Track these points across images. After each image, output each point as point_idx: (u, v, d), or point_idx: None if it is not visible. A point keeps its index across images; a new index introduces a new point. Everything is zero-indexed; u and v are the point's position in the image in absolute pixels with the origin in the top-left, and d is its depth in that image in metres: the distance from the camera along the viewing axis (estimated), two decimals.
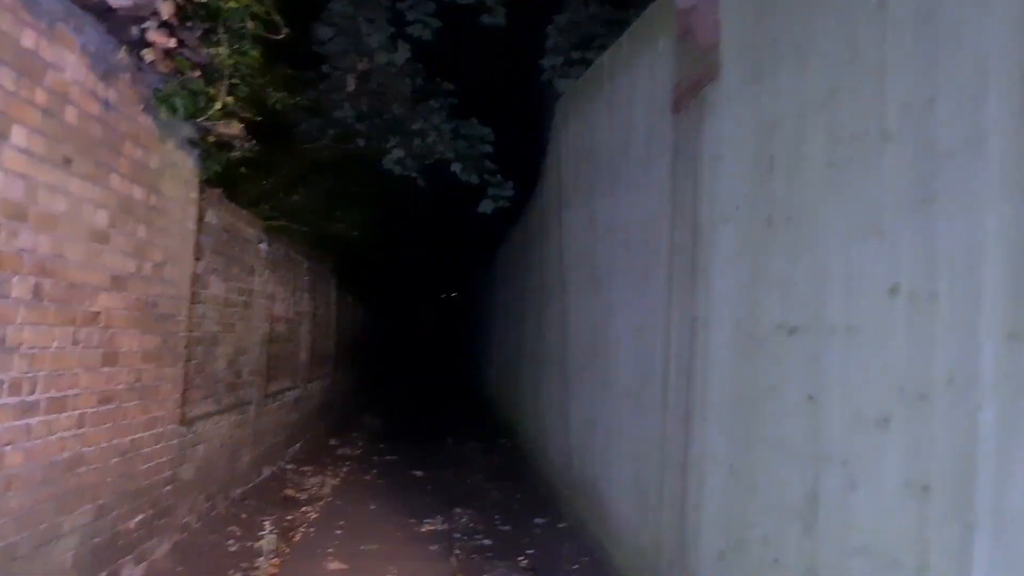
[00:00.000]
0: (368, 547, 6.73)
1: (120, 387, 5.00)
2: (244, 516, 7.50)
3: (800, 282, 3.32)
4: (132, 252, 5.07)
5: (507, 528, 7.90)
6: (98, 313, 4.65)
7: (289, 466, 10.13)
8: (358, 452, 11.94)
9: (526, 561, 6.74)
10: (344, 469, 10.44)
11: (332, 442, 12.62)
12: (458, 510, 8.44)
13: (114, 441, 4.97)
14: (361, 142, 11.63)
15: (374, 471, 10.42)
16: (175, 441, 6.04)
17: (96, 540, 4.81)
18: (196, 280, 6.44)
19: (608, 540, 6.28)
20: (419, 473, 10.48)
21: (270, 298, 9.08)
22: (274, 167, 9.28)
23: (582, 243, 7.58)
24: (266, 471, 9.27)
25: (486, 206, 11.92)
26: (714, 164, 4.32)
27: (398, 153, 11.36)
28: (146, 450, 5.49)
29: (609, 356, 6.41)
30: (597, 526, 6.67)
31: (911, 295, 2.64)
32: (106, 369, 4.79)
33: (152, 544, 5.71)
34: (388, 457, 11.62)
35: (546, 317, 9.86)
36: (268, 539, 5.66)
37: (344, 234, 13.19)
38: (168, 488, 5.97)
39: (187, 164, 5.90)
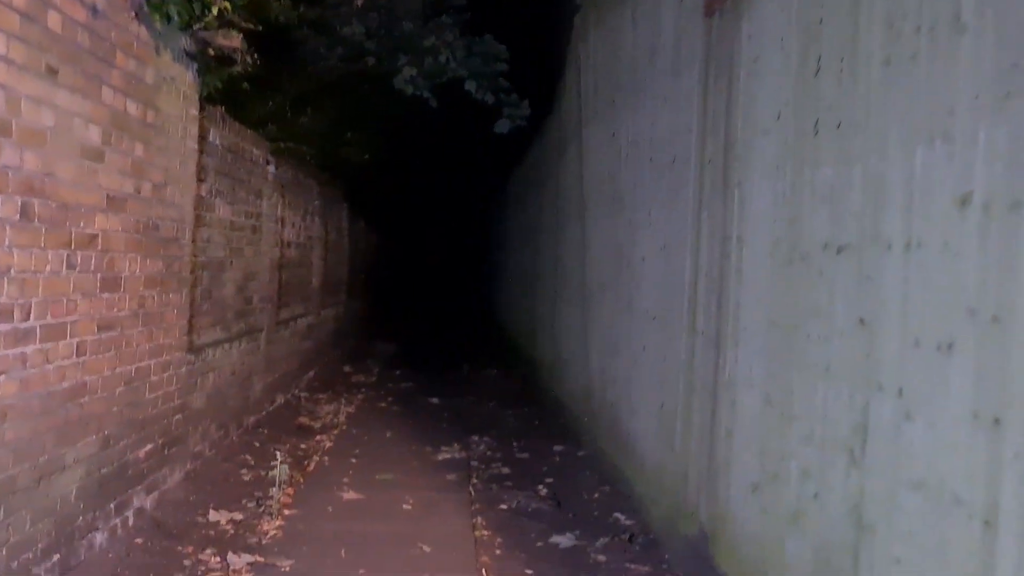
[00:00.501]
0: (384, 476, 6.59)
1: (122, 314, 4.78)
2: (257, 445, 7.38)
3: (851, 195, 3.02)
4: (130, 172, 4.79)
5: (525, 456, 7.76)
6: (95, 236, 4.40)
7: (303, 394, 10.02)
8: (373, 379, 11.83)
9: (545, 490, 6.59)
10: (359, 396, 10.32)
11: (346, 369, 12.51)
12: (475, 438, 8.31)
13: (118, 369, 4.77)
14: (370, 61, 11.20)
15: (389, 398, 10.30)
16: (183, 369, 5.86)
17: (103, 471, 4.66)
18: (200, 202, 6.17)
19: (629, 468, 6.11)
20: (435, 400, 10.35)
21: (280, 222, 8.83)
22: (280, 86, 8.92)
23: (603, 161, 7.25)
24: (280, 399, 9.15)
25: (502, 126, 11.51)
26: (751, 69, 3.98)
27: (409, 72, 10.91)
28: (153, 379, 5.31)
29: (632, 278, 6.15)
30: (618, 454, 6.50)
31: (986, 205, 2.34)
32: (106, 295, 4.56)
33: (163, 474, 5.57)
34: (403, 384, 11.50)
35: (563, 240, 9.58)
36: (281, 469, 5.51)
37: (354, 157, 12.87)
38: (178, 417, 5.81)
39: (186, 79, 5.58)
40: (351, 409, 9.41)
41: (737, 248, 4.11)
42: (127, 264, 4.81)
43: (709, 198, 4.57)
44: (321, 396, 10.07)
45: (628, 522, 5.78)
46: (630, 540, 5.36)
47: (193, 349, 6.09)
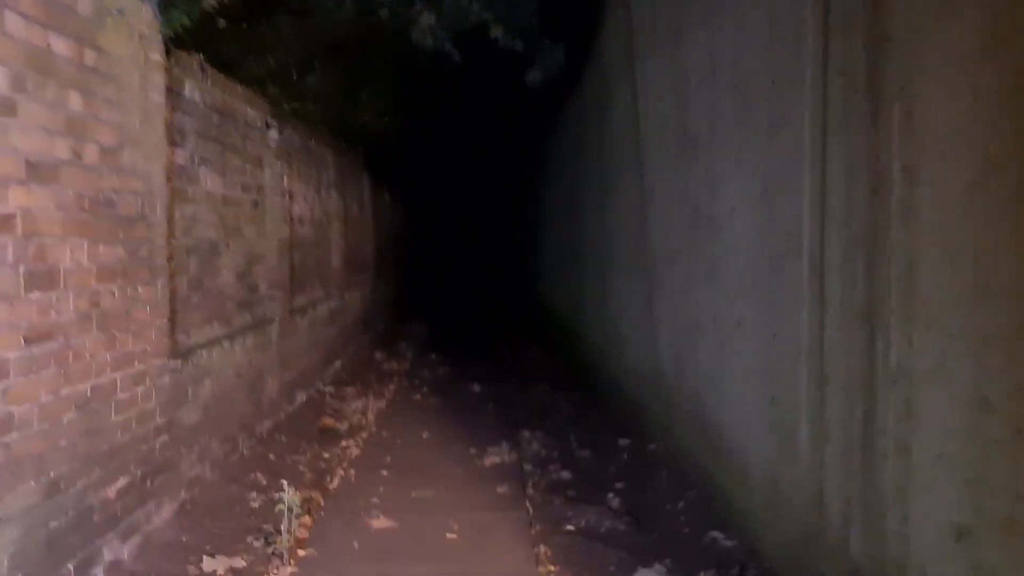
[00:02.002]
0: (422, 493, 5.44)
1: (64, 318, 3.64)
2: (272, 457, 6.26)
3: None
4: (62, 130, 3.63)
5: (587, 454, 6.59)
6: (11, 216, 3.26)
7: (328, 388, 8.91)
8: (406, 366, 10.70)
9: (618, 500, 5.42)
10: (391, 388, 9.19)
11: (377, 356, 11.39)
12: (526, 433, 7.14)
13: (64, 391, 3.64)
14: (384, 13, 9.97)
15: (425, 388, 9.16)
16: (166, 379, 4.73)
17: (52, 524, 3.55)
18: (177, 172, 5.02)
19: (723, 472, 4.90)
20: (476, 388, 9.20)
21: (287, 196, 7.66)
22: (282, 41, 7.73)
23: (666, 101, 5.98)
24: (300, 397, 8.04)
25: (535, 77, 10.26)
26: None
27: (427, 20, 9.67)
28: (121, 396, 4.18)
29: (715, 239, 4.90)
30: (704, 453, 5.30)
31: None
32: (35, 295, 3.42)
33: (146, 512, 4.47)
34: (440, 370, 10.36)
35: (613, 203, 8.32)
36: (290, 501, 4.38)
37: (373, 123, 11.68)
38: (163, 439, 4.69)
39: (140, 13, 4.39)
40: (382, 404, 8.28)
41: (904, 183, 2.85)
42: (67, 252, 3.66)
43: (842, 120, 3.31)
44: (349, 390, 8.95)
45: (729, 544, 4.58)
46: (741, 574, 4.17)
47: (179, 352, 4.97)
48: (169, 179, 4.83)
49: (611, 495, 5.55)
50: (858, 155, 3.17)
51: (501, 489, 5.57)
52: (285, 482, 4.56)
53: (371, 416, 7.66)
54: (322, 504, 5.22)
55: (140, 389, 4.39)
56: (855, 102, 3.19)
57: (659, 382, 6.45)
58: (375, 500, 5.28)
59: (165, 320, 4.71)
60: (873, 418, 3.08)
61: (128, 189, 4.24)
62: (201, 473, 5.30)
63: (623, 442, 6.82)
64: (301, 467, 6.09)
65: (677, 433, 5.97)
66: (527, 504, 5.27)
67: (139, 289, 4.37)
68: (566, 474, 6.03)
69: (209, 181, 5.64)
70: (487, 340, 13.48)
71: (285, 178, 7.58)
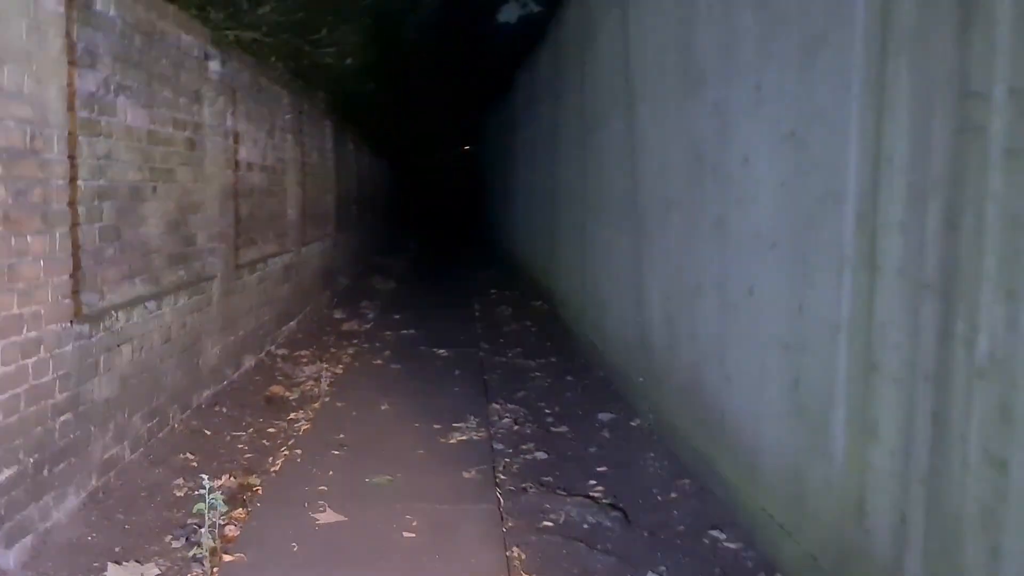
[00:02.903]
0: (377, 479, 4.72)
1: None
2: (209, 433, 5.51)
3: None
4: None
5: (564, 429, 5.91)
6: None
7: (280, 351, 8.14)
8: (367, 326, 9.93)
9: (601, 489, 4.74)
10: (349, 351, 8.44)
11: (336, 315, 10.61)
12: (496, 405, 6.45)
13: None
14: None
15: (387, 352, 8.41)
16: (68, 348, 3.94)
17: None
18: (85, 100, 4.18)
19: (726, 460, 4.24)
20: (443, 352, 8.47)
21: (232, 137, 6.81)
22: None
23: (663, 24, 5.19)
24: (248, 362, 7.27)
25: (510, 13, 9.46)
26: None
27: None
28: (2, 371, 3.40)
29: (725, 187, 4.17)
30: (700, 433, 4.64)
31: None
32: None
33: (43, 506, 3.71)
34: (404, 331, 9.60)
35: (596, 146, 7.56)
36: (211, 499, 3.64)
37: (336, 63, 10.78)
38: (65, 418, 3.92)
39: None
40: (339, 370, 7.53)
41: (1012, 112, 2.13)
42: None
43: (913, 33, 2.58)
44: (303, 353, 8.19)
45: (733, 547, 3.94)
46: None
47: (87, 316, 4.18)
48: (72, 108, 4.00)
49: (593, 481, 4.87)
50: (935, 79, 2.44)
51: (468, 474, 4.86)
52: (205, 477, 3.79)
53: (325, 384, 6.91)
54: (260, 492, 4.49)
55: (31, 361, 3.61)
56: (936, 7, 2.46)
57: (647, 350, 5.76)
58: (323, 487, 4.56)
59: (65, 277, 3.90)
60: (947, 420, 2.39)
61: (9, 116, 3.41)
62: (118, 455, 4.54)
63: (604, 416, 6.15)
64: (241, 445, 5.35)
65: (667, 409, 5.31)
66: (497, 493, 4.57)
67: (28, 240, 3.57)
68: (541, 455, 5.35)
69: (130, 114, 4.80)
70: (456, 297, 12.73)
71: (229, 117, 6.72)
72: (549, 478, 4.92)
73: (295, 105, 9.52)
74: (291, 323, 8.98)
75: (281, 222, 8.80)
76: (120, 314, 4.56)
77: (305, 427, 5.73)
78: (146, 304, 4.94)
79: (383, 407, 6.29)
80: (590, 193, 8.01)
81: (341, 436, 5.51)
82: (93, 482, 4.23)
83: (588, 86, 7.93)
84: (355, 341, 8.97)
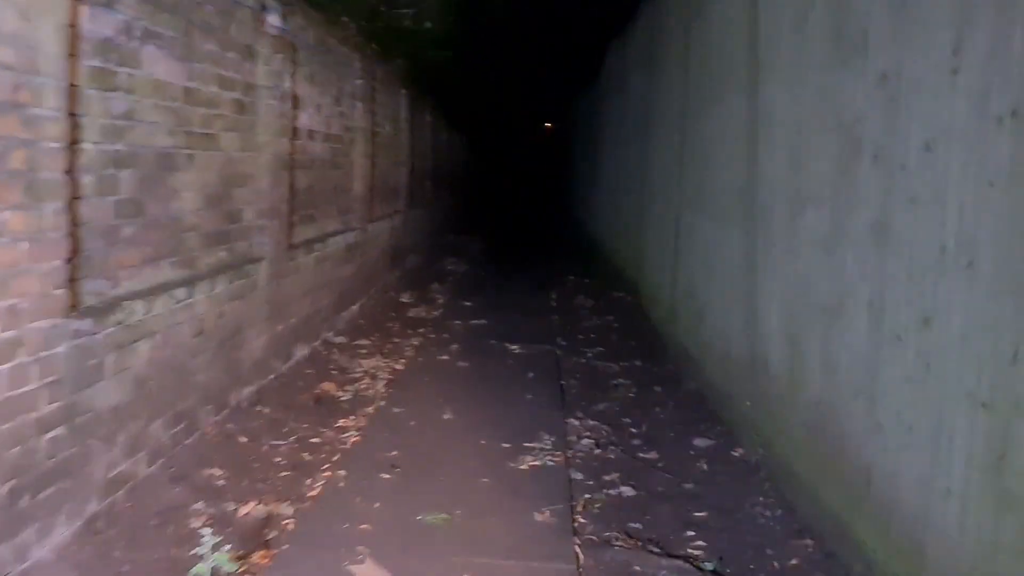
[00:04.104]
0: (431, 517, 3.92)
1: None
2: (244, 440, 4.79)
3: None
4: None
5: (653, 456, 5.04)
6: None
7: (338, 339, 7.42)
8: (436, 314, 9.16)
9: (701, 542, 3.86)
10: (414, 342, 7.67)
11: (403, 299, 9.86)
12: (575, 420, 5.61)
13: None
14: None
15: (454, 346, 7.61)
16: (60, 349, 3.22)
17: None
18: (95, 45, 3.44)
19: (870, 529, 3.31)
20: (515, 348, 7.64)
21: (290, 101, 6.06)
22: None
23: None
24: (300, 352, 6.56)
25: None
26: None
27: None
28: None
29: (896, 182, 3.19)
30: (831, 487, 3.70)
31: None
32: None
33: (20, 543, 3.01)
34: (474, 321, 8.80)
35: (699, 129, 6.59)
36: (215, 560, 2.88)
37: (415, 26, 9.96)
38: (55, 434, 3.21)
39: None
40: (399, 365, 6.77)
41: None
42: None
43: None
44: (363, 343, 7.46)
45: None
46: None
47: (90, 309, 3.46)
48: (75, 54, 3.26)
49: (691, 532, 3.99)
50: None
51: (541, 515, 4.03)
52: (207, 533, 3.03)
53: (382, 383, 6.16)
54: (290, 528, 3.73)
55: (6, 367, 2.89)
56: None
57: (758, 371, 4.82)
58: (365, 525, 3.78)
59: (58, 263, 3.17)
60: None
61: None
62: (129, 471, 3.84)
63: (700, 443, 5.25)
64: (278, 458, 4.61)
65: (783, 447, 4.37)
66: (576, 547, 3.72)
67: (5, 216, 2.84)
68: (628, 490, 4.48)
69: (161, 67, 4.06)
70: (532, 283, 11.88)
71: (288, 78, 5.96)
72: (638, 524, 4.05)
73: (367, 71, 8.76)
74: (353, 307, 8.26)
75: (345, 197, 8.06)
76: (139, 305, 3.84)
77: (355, 438, 4.97)
78: (174, 291, 4.22)
79: (445, 416, 5.50)
80: (688, 181, 7.05)
81: (394, 453, 4.73)
82: (93, 507, 3.53)
83: (693, 61, 6.94)
84: (421, 330, 8.21)
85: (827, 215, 3.81)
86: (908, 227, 3.06)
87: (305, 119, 6.54)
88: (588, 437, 5.32)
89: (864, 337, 3.40)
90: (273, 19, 5.61)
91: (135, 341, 3.83)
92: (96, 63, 3.46)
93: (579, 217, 20.01)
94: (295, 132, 6.20)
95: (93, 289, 3.50)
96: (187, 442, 4.45)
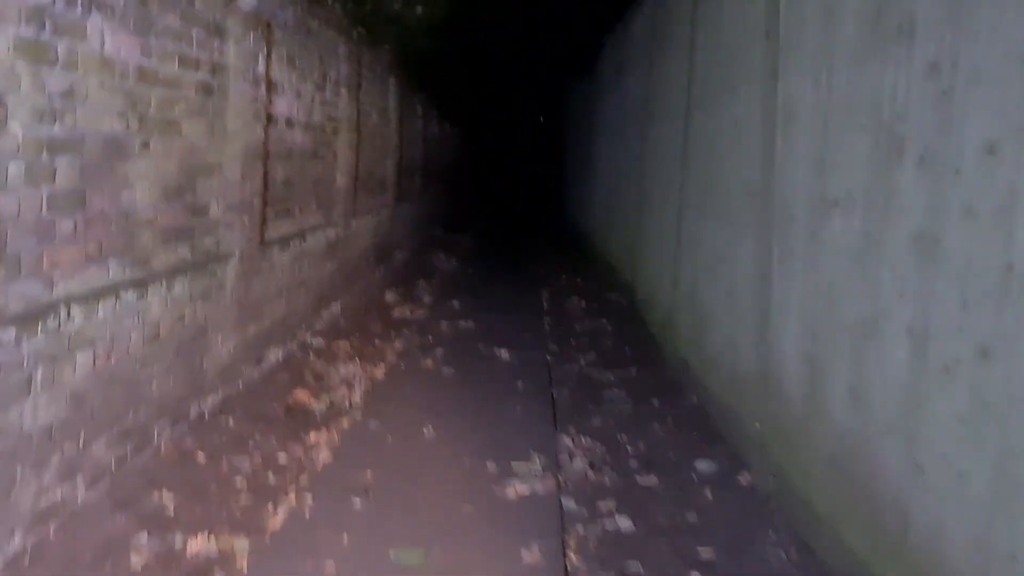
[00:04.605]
0: (404, 555, 3.46)
1: None
2: (202, 459, 4.33)
3: None
4: None
5: (653, 481, 4.61)
6: None
7: (316, 341, 6.96)
8: (421, 313, 8.70)
9: None
10: (396, 346, 7.22)
11: (388, 298, 9.41)
12: (567, 437, 5.18)
13: None
14: None
15: (439, 350, 7.16)
16: None
17: None
18: (23, 11, 2.98)
19: None
20: (504, 354, 7.20)
21: (264, 85, 5.59)
22: None
23: None
24: (273, 355, 6.10)
25: None
26: None
27: None
28: None
29: (947, 188, 2.76)
30: (858, 530, 3.28)
31: None
32: None
33: None
34: (462, 323, 8.35)
35: (703, 123, 6.16)
36: None
37: (405, 12, 9.50)
38: None
39: None
40: (379, 372, 6.32)
41: None
42: None
43: None
44: (342, 345, 7.00)
45: None
46: None
47: (12, 317, 2.99)
48: None
49: (696, 574, 3.56)
50: None
51: (529, 553, 3.58)
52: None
53: (361, 391, 5.71)
54: (243, 570, 3.28)
55: None
56: None
57: (770, 390, 4.39)
58: (329, 561, 3.33)
59: None
60: None
61: None
62: (65, 498, 3.38)
63: (704, 466, 4.82)
64: (239, 477, 4.15)
65: (799, 478, 3.95)
66: None
67: None
68: (625, 522, 4.05)
69: (109, 41, 3.59)
70: (523, 282, 11.44)
71: (261, 59, 5.49)
72: (637, 564, 3.62)
73: (353, 56, 8.28)
74: (334, 307, 7.80)
75: (327, 190, 7.59)
76: (78, 310, 3.38)
77: (325, 457, 4.51)
78: (122, 294, 3.76)
79: (426, 431, 5.05)
80: (692, 179, 6.62)
81: (368, 474, 4.28)
82: (16, 543, 3.07)
83: (700, 50, 6.50)
84: (405, 332, 7.76)
85: (858, 223, 3.38)
86: (962, 242, 2.63)
87: (282, 106, 6.07)
88: (582, 457, 4.88)
89: (903, 366, 2.97)
90: None
91: (72, 351, 3.37)
92: (28, 32, 2.99)
93: (572, 213, 19.57)
94: (270, 119, 5.74)
95: (20, 293, 3.04)
96: (136, 462, 4.00)
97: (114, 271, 3.76)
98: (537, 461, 4.70)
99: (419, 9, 9.68)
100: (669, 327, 7.29)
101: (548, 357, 7.22)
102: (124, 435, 3.87)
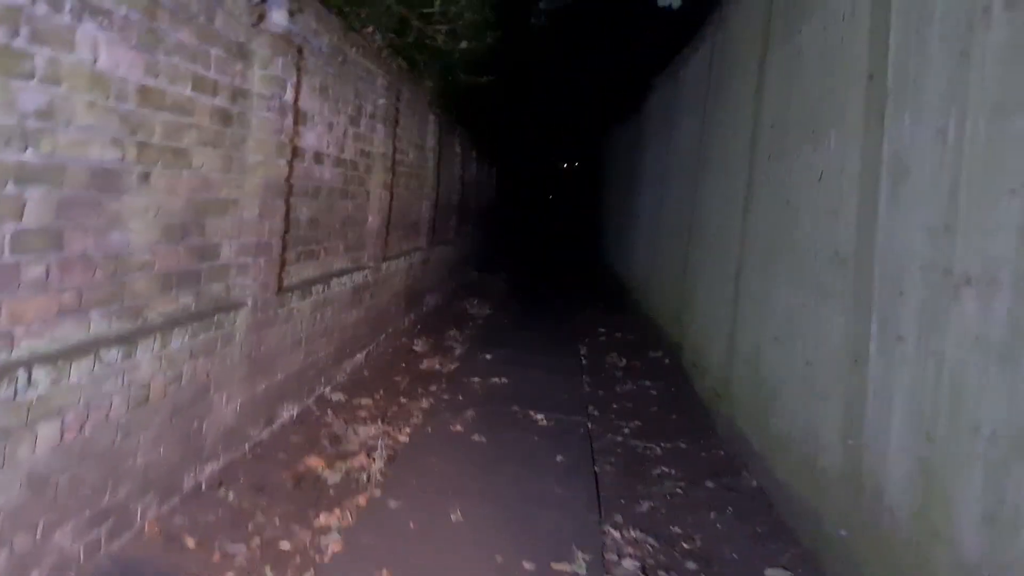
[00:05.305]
0: None
1: None
2: (191, 544, 3.70)
3: None
4: None
5: None
6: None
7: (336, 396, 6.35)
8: (451, 367, 8.07)
9: None
10: (423, 405, 6.58)
11: (417, 347, 8.79)
12: (613, 530, 4.49)
13: None
14: None
15: (470, 412, 6.50)
16: None
17: None
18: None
19: None
20: (541, 418, 6.53)
21: (291, 115, 5.05)
22: None
23: None
24: (287, 412, 5.50)
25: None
26: None
27: None
28: None
29: None
30: None
31: None
32: None
33: None
34: (494, 380, 7.69)
35: (776, 174, 5.53)
36: None
37: (448, 45, 9.00)
38: None
39: None
40: (403, 436, 5.68)
41: None
42: None
43: None
44: (364, 403, 6.37)
45: None
46: None
47: None
48: None
49: None
50: None
51: None
52: None
53: (382, 460, 5.07)
54: None
55: None
56: None
57: (864, 495, 3.69)
58: None
59: None
60: None
61: None
62: None
63: (774, 575, 4.11)
64: (229, 574, 3.52)
65: None
66: None
67: None
68: None
69: (105, 54, 3.05)
70: (559, 335, 10.77)
71: (291, 89, 4.95)
72: None
73: (392, 89, 7.77)
74: (358, 356, 7.20)
75: (357, 231, 7.03)
76: (41, 373, 2.80)
77: (335, 546, 3.87)
78: (103, 352, 3.17)
79: (454, 516, 4.39)
80: (757, 234, 5.97)
81: (384, 574, 3.63)
82: None
83: (769, 96, 5.90)
84: (433, 388, 7.12)
85: (1003, 309, 2.71)
86: None
87: (311, 138, 5.53)
88: (631, 556, 4.20)
89: None
90: (277, 14, 4.61)
91: (32, 424, 2.78)
92: None
93: (609, 260, 18.93)
94: (296, 153, 5.19)
95: None
96: (111, 548, 3.38)
97: (96, 325, 3.18)
98: (581, 560, 4.02)
99: (463, 44, 9.19)
100: (724, 397, 6.59)
101: (589, 424, 6.54)
102: (98, 518, 3.26)
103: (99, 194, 3.11)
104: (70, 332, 3.01)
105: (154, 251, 3.57)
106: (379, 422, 5.85)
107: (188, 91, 3.73)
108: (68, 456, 3.01)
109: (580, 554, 4.08)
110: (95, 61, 3.00)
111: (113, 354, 3.24)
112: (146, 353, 3.50)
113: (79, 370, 3.01)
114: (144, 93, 3.35)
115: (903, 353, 3.41)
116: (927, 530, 3.13)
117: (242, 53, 4.28)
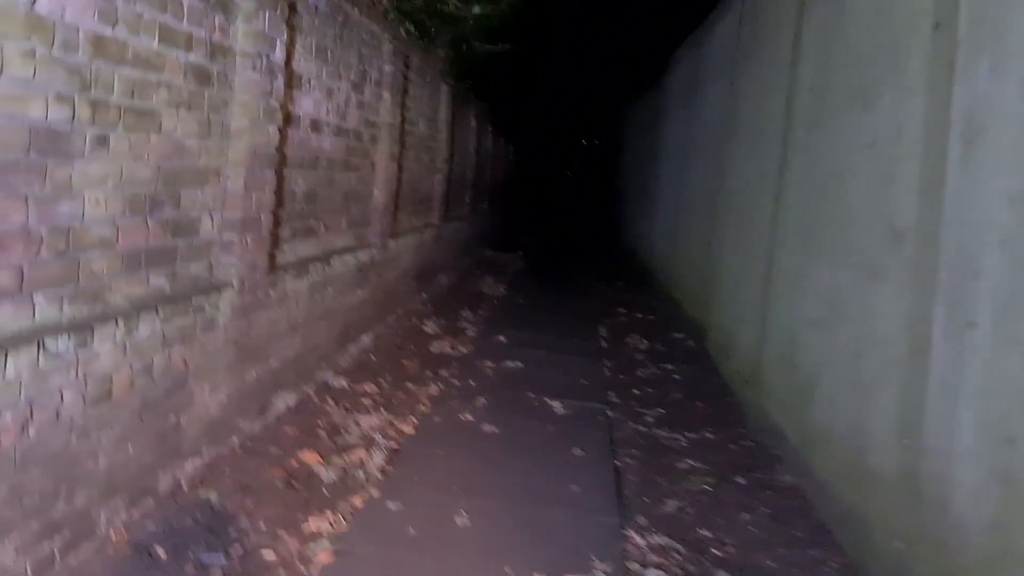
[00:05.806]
0: None
1: None
2: (162, 555, 3.30)
3: None
4: None
5: None
6: None
7: (337, 382, 5.93)
8: (463, 350, 7.63)
9: None
10: (431, 391, 6.16)
11: (427, 328, 8.35)
12: (636, 535, 4.07)
13: None
14: None
15: (481, 399, 6.07)
16: None
17: None
18: None
19: None
20: (557, 406, 6.09)
21: (284, 77, 4.58)
22: None
23: None
24: (282, 402, 5.09)
25: None
26: None
27: None
28: None
29: None
30: None
31: None
32: None
33: None
34: (508, 363, 7.25)
35: (815, 144, 5.04)
36: None
37: (461, 11, 8.51)
38: None
39: None
40: (408, 427, 5.26)
41: None
42: None
43: None
44: (368, 389, 5.95)
45: None
46: None
47: None
48: None
49: None
50: None
51: None
52: None
53: (383, 454, 4.65)
54: None
55: None
56: None
57: (926, 503, 3.23)
58: None
59: None
60: None
61: None
62: None
63: None
64: None
65: None
66: None
67: None
68: None
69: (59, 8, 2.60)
70: (578, 315, 10.31)
71: (281, 47, 4.49)
72: None
73: (400, 56, 7.30)
74: (364, 339, 6.79)
75: (362, 206, 6.60)
76: None
77: (325, 556, 3.46)
78: (49, 341, 2.75)
79: (459, 520, 3.96)
80: (793, 209, 5.49)
81: None
82: None
83: (807, 58, 5.40)
84: (443, 373, 6.69)
85: None
86: None
87: (308, 104, 5.09)
88: (656, 566, 3.77)
89: None
90: None
91: None
92: None
93: (630, 237, 18.41)
94: (289, 119, 4.74)
95: None
96: (70, 562, 2.98)
97: (42, 310, 2.76)
98: (600, 572, 3.59)
99: (477, 9, 8.70)
100: (752, 383, 6.14)
101: (608, 412, 6.11)
102: (48, 529, 2.86)
103: (42, 159, 2.69)
104: (6, 318, 2.59)
105: (116, 225, 3.15)
106: (383, 411, 5.44)
107: (155, 44, 3.29)
108: (3, 462, 2.60)
109: (598, 564, 3.65)
110: (33, 2, 2.56)
111: (63, 343, 2.82)
112: (106, 342, 3.08)
113: (16, 363, 2.59)
114: (99, 44, 2.91)
115: (975, 341, 2.93)
116: (1004, 550, 2.67)
117: (221, 4, 3.83)
